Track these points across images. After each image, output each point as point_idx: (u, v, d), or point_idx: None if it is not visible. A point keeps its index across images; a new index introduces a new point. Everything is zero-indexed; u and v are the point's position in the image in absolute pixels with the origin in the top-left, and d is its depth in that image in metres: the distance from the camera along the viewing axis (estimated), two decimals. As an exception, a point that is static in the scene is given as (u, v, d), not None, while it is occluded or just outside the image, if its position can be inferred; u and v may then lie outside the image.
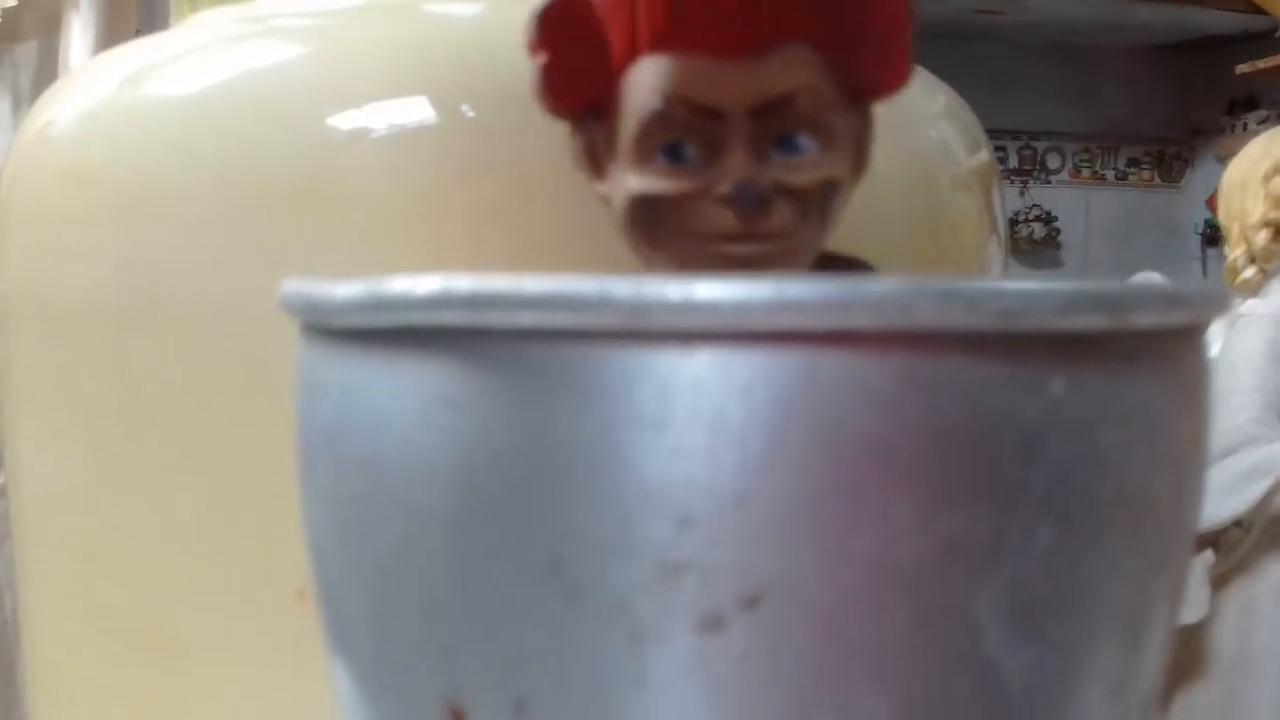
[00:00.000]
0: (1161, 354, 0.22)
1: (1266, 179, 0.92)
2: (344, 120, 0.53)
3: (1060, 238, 2.82)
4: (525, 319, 0.20)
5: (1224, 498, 0.81)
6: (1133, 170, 2.89)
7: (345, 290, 0.23)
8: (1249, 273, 0.93)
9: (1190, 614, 0.82)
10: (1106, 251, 2.84)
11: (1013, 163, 2.83)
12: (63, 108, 0.63)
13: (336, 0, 0.58)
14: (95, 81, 0.62)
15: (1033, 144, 2.82)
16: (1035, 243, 2.79)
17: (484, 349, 0.21)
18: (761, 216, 0.28)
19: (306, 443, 0.25)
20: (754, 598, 0.20)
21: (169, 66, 0.58)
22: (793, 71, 0.28)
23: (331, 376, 0.24)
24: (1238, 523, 0.83)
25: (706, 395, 0.20)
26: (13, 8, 1.52)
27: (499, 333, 0.21)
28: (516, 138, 0.52)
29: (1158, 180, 2.89)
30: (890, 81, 0.30)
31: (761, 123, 0.28)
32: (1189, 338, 0.23)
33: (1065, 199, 2.83)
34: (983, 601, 0.20)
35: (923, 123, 0.64)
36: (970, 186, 0.68)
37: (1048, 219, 2.81)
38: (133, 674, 0.57)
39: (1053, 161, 2.84)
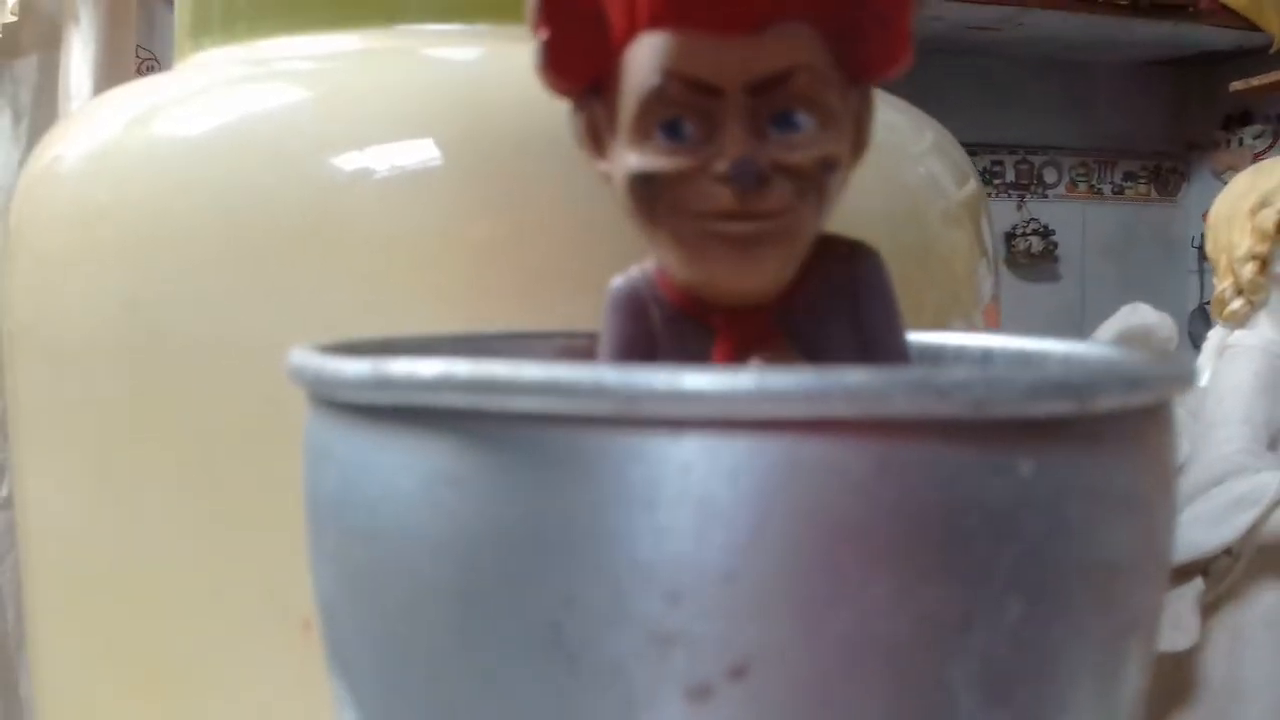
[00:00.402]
0: (1125, 432, 0.23)
1: (1253, 212, 0.94)
2: (348, 162, 0.54)
3: (1057, 251, 2.83)
4: (522, 404, 0.22)
5: (1213, 527, 0.83)
6: (1129, 184, 2.91)
7: (351, 367, 0.24)
8: (1236, 304, 0.95)
9: (1180, 640, 0.84)
10: (1103, 265, 2.86)
11: (1010, 177, 2.85)
12: (70, 145, 0.64)
13: (338, 44, 0.59)
14: (101, 120, 0.63)
15: (1030, 158, 2.83)
16: (1033, 256, 2.81)
17: (484, 429, 0.22)
18: (758, 195, 0.28)
19: (314, 508, 0.27)
20: (740, 668, 0.21)
21: (174, 108, 0.60)
22: (791, 49, 0.28)
23: (337, 447, 0.25)
24: (1227, 551, 0.85)
25: (694, 478, 0.21)
26: (13, 23, 1.52)
27: (498, 415, 0.22)
28: (518, 178, 0.54)
29: (1154, 194, 2.91)
30: (890, 62, 0.29)
31: (759, 100, 0.28)
32: (1153, 414, 0.24)
33: (1062, 213, 2.85)
34: (956, 671, 0.22)
35: (912, 160, 0.65)
36: (959, 219, 0.69)
37: (1045, 233, 2.83)
38: (138, 703, 0.58)
39: (1050, 176, 2.86)
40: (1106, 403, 0.22)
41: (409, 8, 0.59)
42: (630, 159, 0.29)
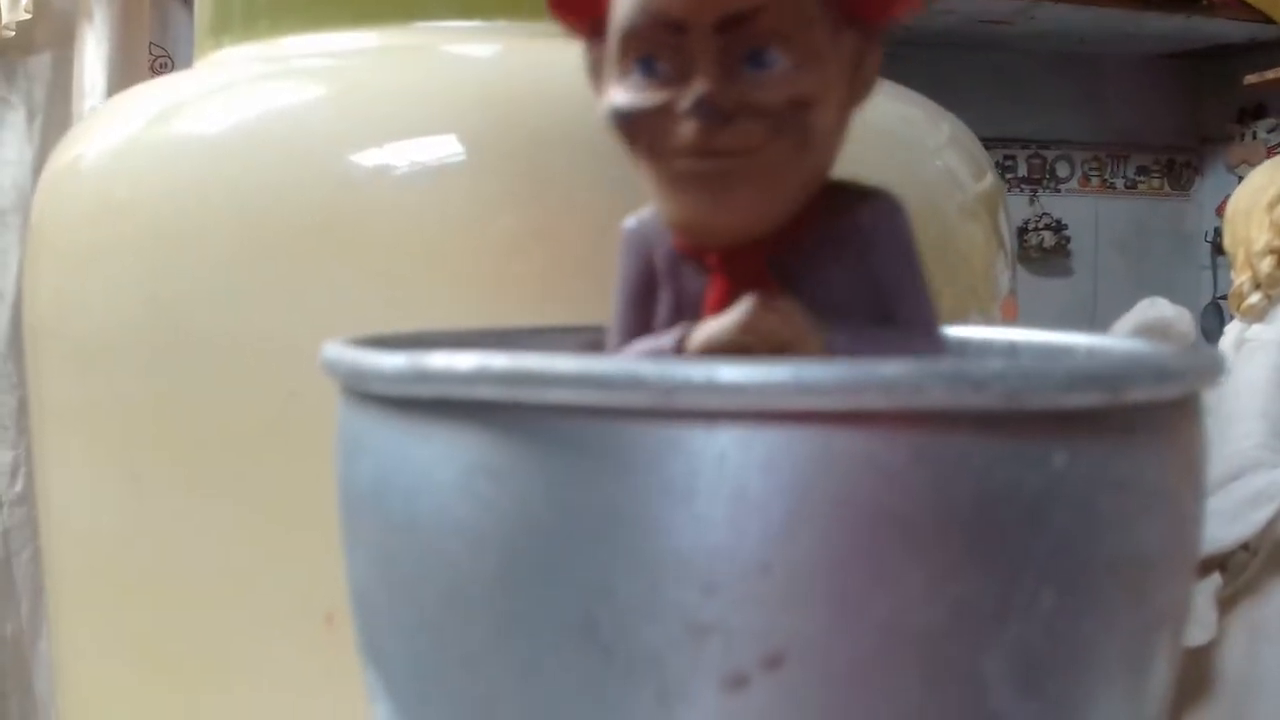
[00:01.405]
0: (1156, 424, 0.23)
1: (1270, 206, 0.93)
2: (367, 159, 0.54)
3: (1070, 246, 2.83)
4: (558, 396, 0.22)
5: (1230, 522, 0.83)
6: (1142, 179, 2.90)
7: (389, 361, 0.24)
8: (1254, 298, 0.95)
9: (1198, 636, 0.84)
10: (1117, 260, 2.85)
11: (1022, 171, 2.84)
12: (91, 143, 0.64)
13: (358, 41, 0.59)
14: (122, 118, 0.63)
15: (1042, 153, 2.83)
16: (1045, 251, 2.80)
17: (521, 422, 0.23)
18: (722, 131, 0.27)
19: (348, 500, 0.27)
20: (775, 659, 0.21)
21: (195, 105, 0.60)
22: None
23: (372, 439, 0.26)
24: (1244, 546, 0.84)
25: (730, 470, 0.21)
26: (27, 20, 1.53)
27: (534, 408, 0.22)
28: (538, 174, 0.54)
29: (1167, 188, 2.90)
30: (882, 8, 0.29)
31: (729, 38, 0.27)
32: (1182, 407, 0.24)
33: (1075, 207, 2.84)
34: (989, 661, 0.22)
35: (929, 154, 0.65)
36: (977, 213, 0.70)
37: (1058, 227, 2.82)
38: (161, 696, 0.58)
39: (1062, 170, 2.85)
40: (1138, 394, 0.22)
41: (428, 5, 0.59)
42: (612, 95, 0.29)
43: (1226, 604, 0.87)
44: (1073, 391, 0.21)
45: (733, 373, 0.21)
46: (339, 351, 0.26)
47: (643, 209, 0.32)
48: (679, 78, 0.28)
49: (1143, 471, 0.23)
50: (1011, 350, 0.35)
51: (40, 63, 1.56)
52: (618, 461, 0.22)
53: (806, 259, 0.30)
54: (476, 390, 0.23)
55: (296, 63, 0.59)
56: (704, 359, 0.25)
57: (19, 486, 1.47)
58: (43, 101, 1.56)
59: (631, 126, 0.28)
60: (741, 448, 0.21)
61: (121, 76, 1.52)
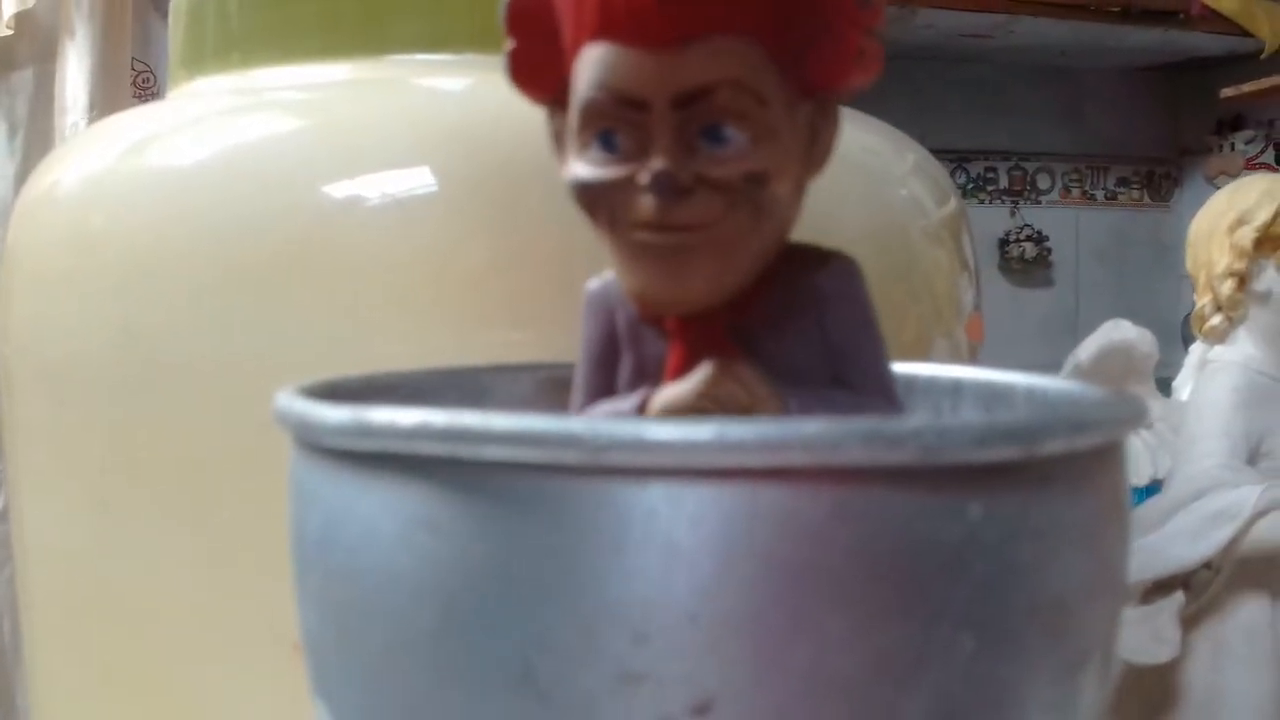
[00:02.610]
0: (1074, 473, 0.24)
1: (1230, 230, 0.95)
2: (339, 190, 0.55)
3: (1051, 257, 2.84)
4: (495, 453, 0.23)
5: (1193, 541, 0.84)
6: (1122, 190, 2.92)
7: (334, 415, 0.25)
8: (1216, 320, 0.96)
9: (1162, 653, 0.85)
10: (1097, 270, 2.87)
11: (1003, 183, 2.85)
12: (66, 171, 0.65)
13: (330, 73, 0.60)
14: (98, 147, 0.64)
15: (1023, 165, 2.84)
16: (1026, 262, 2.82)
17: (460, 476, 0.23)
18: (679, 206, 0.28)
19: (299, 547, 0.28)
20: (704, 705, 0.22)
21: (169, 136, 0.61)
22: (717, 63, 0.28)
23: (320, 489, 0.26)
24: (1207, 565, 0.86)
25: (659, 524, 0.22)
26: (9, 36, 1.53)
27: (472, 463, 0.23)
28: (508, 206, 0.55)
29: (1147, 199, 2.92)
30: (840, 76, 0.29)
31: (686, 114, 0.28)
32: (1102, 454, 0.25)
33: (1056, 219, 2.85)
34: (911, 706, 0.23)
35: (894, 182, 0.66)
36: (941, 237, 0.71)
37: (1039, 239, 2.83)
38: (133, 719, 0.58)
39: (1043, 182, 2.87)
40: (1054, 446, 0.23)
41: (400, 38, 0.60)
42: (573, 168, 0.30)
43: (1190, 622, 0.88)
44: (987, 446, 0.22)
45: (660, 431, 0.22)
46: (289, 402, 0.27)
47: (606, 271, 0.33)
48: (638, 152, 0.28)
49: (1060, 519, 0.24)
50: (955, 389, 0.36)
51: (22, 78, 1.57)
52: (552, 516, 0.22)
53: (765, 323, 0.30)
54: (417, 445, 0.24)
55: (269, 95, 0.60)
56: (632, 419, 0.26)
57: (1, 502, 1.47)
58: (25, 116, 1.56)
59: (592, 199, 0.29)
60: (670, 503, 0.22)
61: (104, 92, 1.53)
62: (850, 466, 0.22)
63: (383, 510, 0.24)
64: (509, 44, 0.30)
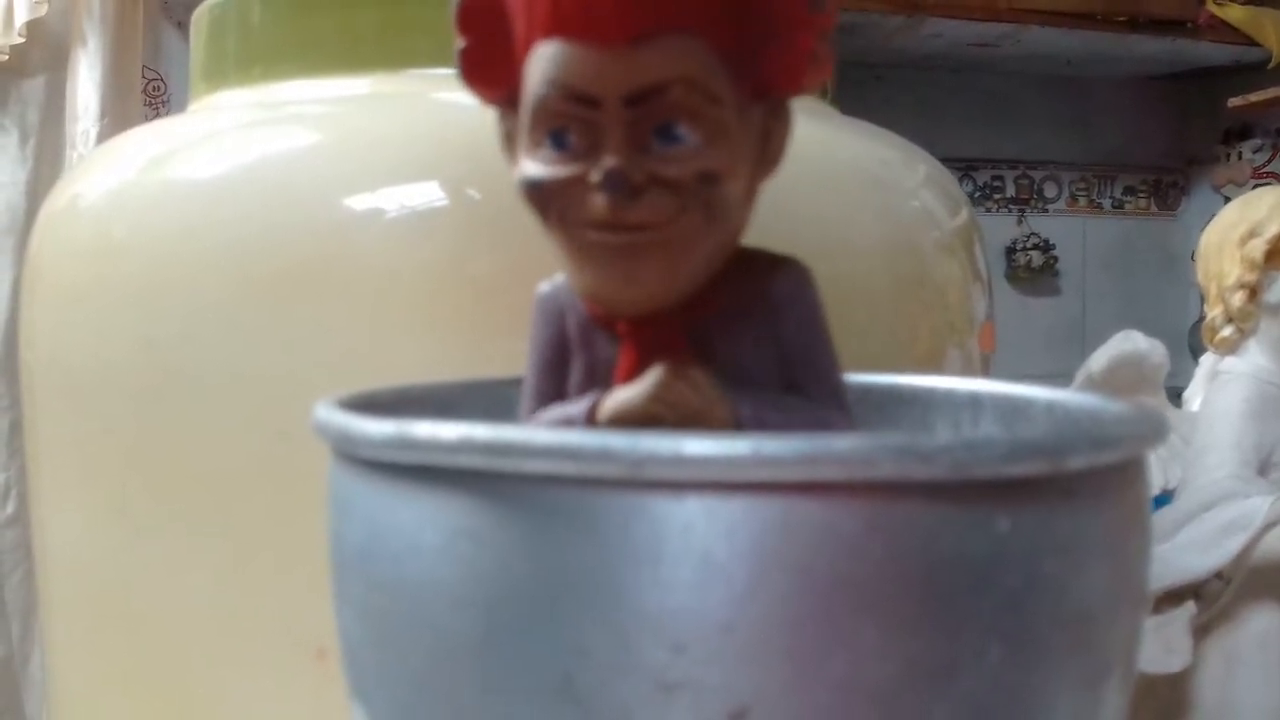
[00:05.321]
0: (1097, 487, 0.25)
1: (1241, 242, 0.95)
2: (358, 203, 0.56)
3: (1058, 265, 2.85)
4: (536, 466, 0.23)
5: (1204, 551, 0.84)
6: (1129, 199, 2.92)
7: (377, 428, 0.26)
8: (1227, 331, 0.97)
9: (1174, 663, 0.85)
10: (1104, 279, 2.87)
11: (1010, 192, 2.86)
12: (89, 183, 0.65)
13: (350, 87, 0.61)
14: (120, 160, 0.65)
15: (1030, 173, 2.85)
16: (1033, 271, 2.82)
17: (501, 489, 0.24)
18: (630, 205, 0.28)
19: (338, 557, 0.28)
20: (740, 713, 0.23)
21: (190, 149, 0.61)
22: (670, 62, 0.27)
23: (361, 501, 0.27)
24: (1219, 575, 0.86)
25: (695, 536, 0.23)
26: (20, 44, 1.55)
27: (514, 476, 0.24)
28: (521, 218, 0.55)
29: (1154, 209, 2.92)
30: (792, 79, 0.29)
31: (639, 112, 0.28)
32: (1123, 470, 0.26)
33: (1063, 227, 2.86)
34: (941, 714, 0.23)
35: (905, 194, 0.67)
36: (953, 248, 0.71)
37: (1046, 247, 2.84)
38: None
39: (1050, 190, 2.87)
40: (1078, 462, 0.24)
41: (419, 52, 0.61)
42: (524, 166, 0.29)
43: (1201, 631, 0.88)
44: (1015, 462, 0.23)
45: (698, 446, 0.22)
46: (329, 414, 0.28)
47: (557, 274, 0.32)
48: (589, 151, 0.28)
49: (1085, 532, 0.25)
50: (974, 402, 0.36)
51: (34, 86, 1.58)
52: (591, 528, 0.23)
53: (717, 327, 0.30)
54: (459, 459, 0.24)
55: (289, 109, 0.60)
56: (670, 434, 0.26)
57: (10, 508, 1.48)
58: (36, 124, 1.58)
59: (543, 197, 0.29)
60: (706, 516, 0.23)
61: (114, 99, 1.54)
62: (883, 481, 0.22)
63: (426, 521, 0.25)
64: (460, 42, 0.30)
